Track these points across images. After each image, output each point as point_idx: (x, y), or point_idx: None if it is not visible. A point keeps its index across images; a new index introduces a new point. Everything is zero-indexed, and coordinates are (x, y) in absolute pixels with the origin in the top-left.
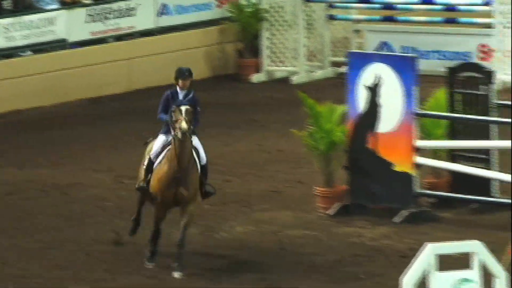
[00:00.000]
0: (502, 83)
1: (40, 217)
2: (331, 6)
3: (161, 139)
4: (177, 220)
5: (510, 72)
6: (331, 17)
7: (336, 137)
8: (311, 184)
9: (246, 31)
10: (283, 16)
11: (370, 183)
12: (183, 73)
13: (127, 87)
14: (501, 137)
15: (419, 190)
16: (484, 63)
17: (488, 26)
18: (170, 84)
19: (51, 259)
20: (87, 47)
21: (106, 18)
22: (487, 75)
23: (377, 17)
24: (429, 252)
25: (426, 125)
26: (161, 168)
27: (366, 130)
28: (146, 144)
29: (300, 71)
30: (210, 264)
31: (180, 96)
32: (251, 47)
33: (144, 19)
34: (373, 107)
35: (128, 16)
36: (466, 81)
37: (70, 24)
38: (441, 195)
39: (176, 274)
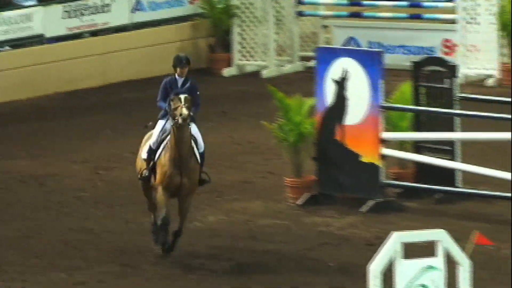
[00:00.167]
0: (464, 76)
1: (18, 207)
2: (299, 2)
3: (159, 125)
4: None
5: (473, 66)
6: (300, 13)
7: (305, 129)
8: (281, 175)
9: (218, 27)
10: (254, 12)
11: (338, 174)
12: (180, 61)
13: (102, 81)
14: (464, 129)
15: (385, 181)
16: (447, 58)
17: (452, 21)
18: (144, 78)
19: (29, 248)
20: (64, 42)
21: (82, 14)
22: (451, 69)
23: (344, 13)
24: (395, 240)
25: (391, 118)
26: (163, 156)
27: (334, 122)
28: (146, 127)
29: (270, 65)
30: (183, 251)
31: (179, 84)
32: (222, 42)
33: (119, 15)
34: (340, 100)
35: (103, 12)
36: (431, 75)
37: (47, 20)
38: (407, 185)
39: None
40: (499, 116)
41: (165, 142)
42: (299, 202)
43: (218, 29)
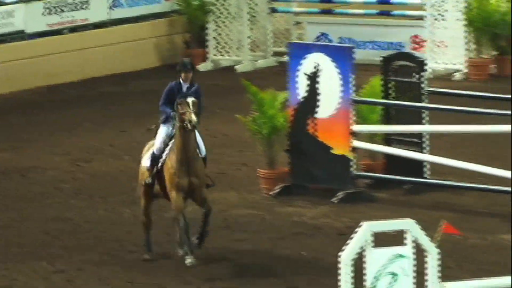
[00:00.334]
0: (432, 71)
1: (0, 198)
2: None
3: (162, 132)
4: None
5: (441, 61)
6: (273, 10)
7: (278, 122)
8: (255, 167)
9: (193, 23)
10: (228, 9)
11: (310, 166)
12: (185, 66)
13: (81, 75)
14: (432, 122)
15: (356, 172)
16: (416, 53)
17: (420, 18)
18: (122, 73)
19: (11, 237)
20: (44, 38)
21: (62, 11)
22: (419, 64)
23: (316, 9)
24: (366, 230)
25: (362, 111)
26: (169, 160)
27: (306, 115)
28: (149, 130)
29: (244, 60)
30: (161, 240)
31: (184, 89)
32: (198, 38)
33: (98, 12)
34: (312, 94)
35: (82, 9)
36: (400, 70)
37: (28, 17)
38: (377, 177)
39: (189, 260)
40: (465, 109)
41: (169, 146)
42: (272, 193)
43: (194, 26)
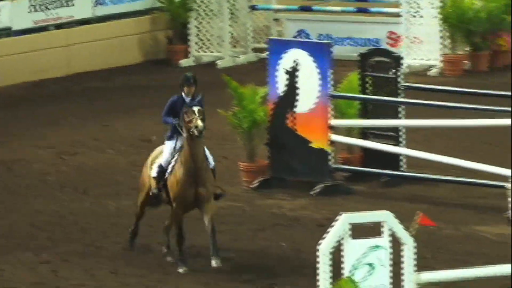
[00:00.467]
0: (408, 67)
1: None
2: None
3: (168, 146)
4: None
5: (416, 57)
6: (253, 7)
7: (258, 117)
8: (235, 160)
9: (176, 20)
10: (209, 6)
11: (289, 159)
12: (188, 80)
13: (66, 71)
14: (408, 116)
15: (334, 165)
16: (392, 49)
17: (396, 15)
18: (106, 68)
19: None
20: (30, 35)
21: (47, 8)
22: (396, 60)
23: (295, 7)
24: (344, 221)
25: (340, 106)
26: (177, 171)
27: (285, 110)
28: (150, 141)
29: (225, 56)
30: (143, 233)
31: (187, 102)
32: (180, 34)
33: (82, 9)
34: (291, 89)
35: (67, 6)
36: (377, 65)
37: (14, 14)
38: (354, 170)
39: (215, 262)
40: (440, 104)
41: (175, 157)
42: (252, 185)
43: (176, 22)
